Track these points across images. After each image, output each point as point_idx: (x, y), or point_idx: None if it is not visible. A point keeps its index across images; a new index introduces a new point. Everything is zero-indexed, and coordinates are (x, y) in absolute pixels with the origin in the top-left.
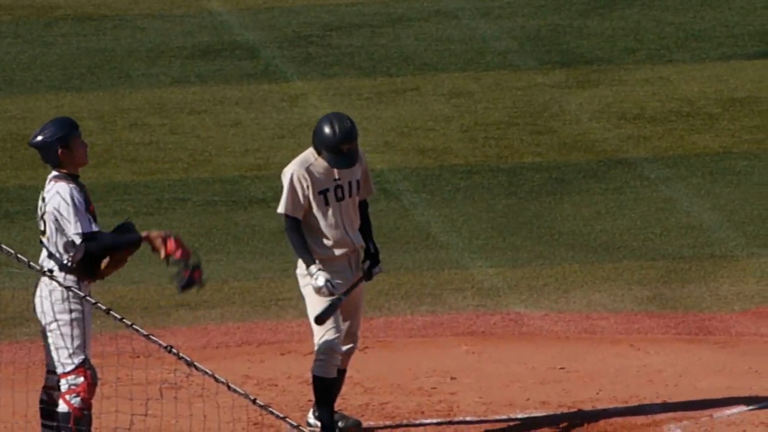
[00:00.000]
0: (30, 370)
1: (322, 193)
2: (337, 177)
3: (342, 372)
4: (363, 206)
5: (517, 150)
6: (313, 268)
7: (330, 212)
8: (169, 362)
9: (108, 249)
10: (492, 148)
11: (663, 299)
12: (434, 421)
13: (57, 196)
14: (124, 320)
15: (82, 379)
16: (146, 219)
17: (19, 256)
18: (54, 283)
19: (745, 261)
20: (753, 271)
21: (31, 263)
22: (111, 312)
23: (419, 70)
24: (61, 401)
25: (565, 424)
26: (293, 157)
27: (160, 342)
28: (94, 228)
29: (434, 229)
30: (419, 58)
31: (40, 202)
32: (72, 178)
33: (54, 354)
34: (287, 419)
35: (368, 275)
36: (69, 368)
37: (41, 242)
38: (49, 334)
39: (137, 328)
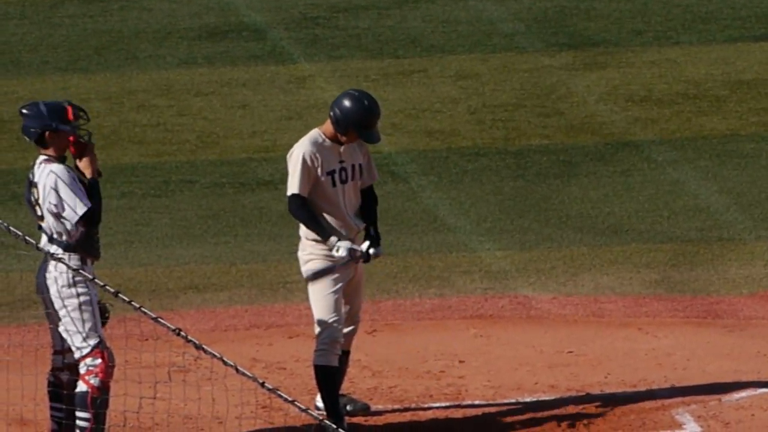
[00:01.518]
0: (39, 353)
1: (329, 174)
2: (342, 159)
3: (345, 353)
4: (369, 191)
5: (524, 132)
6: (333, 240)
7: (334, 194)
8: (177, 345)
9: (99, 212)
10: (499, 131)
11: (671, 282)
12: (443, 404)
13: (52, 175)
14: (133, 303)
15: (99, 360)
16: (154, 201)
17: (27, 238)
18: (60, 267)
19: (753, 244)
20: (761, 255)
21: (39, 246)
22: (119, 295)
23: (426, 52)
24: (80, 382)
25: (573, 408)
26: (300, 139)
27: (169, 325)
28: (86, 204)
29: (442, 211)
30: (426, 39)
31: (28, 188)
32: (61, 160)
33: (68, 339)
34: (296, 402)
35: (366, 257)
36: (86, 351)
37: (40, 227)
38: (60, 319)
39: (146, 310)
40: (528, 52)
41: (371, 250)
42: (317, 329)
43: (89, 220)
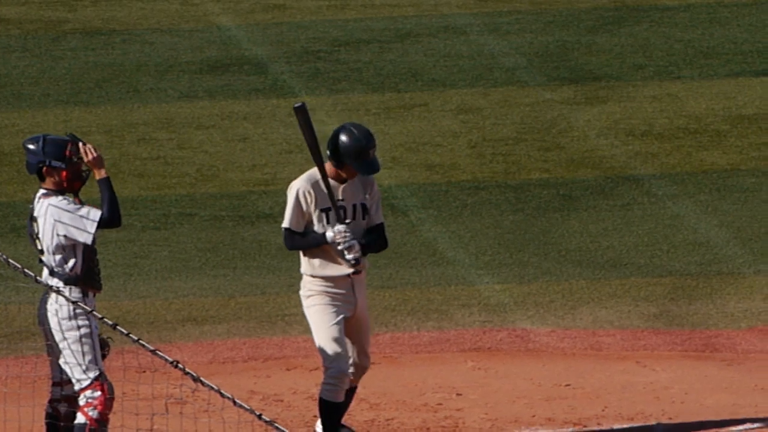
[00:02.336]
0: (36, 385)
1: (324, 211)
2: (341, 197)
3: (352, 390)
4: (375, 227)
5: (524, 166)
6: (329, 234)
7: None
8: (175, 377)
9: (116, 210)
10: (499, 164)
11: (670, 316)
12: None
13: (52, 208)
14: (131, 335)
15: (99, 393)
16: (153, 233)
17: (25, 270)
18: (60, 300)
19: (752, 278)
20: (760, 289)
21: (38, 278)
22: (117, 327)
23: (427, 86)
24: (79, 414)
25: None
26: (301, 172)
27: (166, 357)
28: (96, 216)
29: (441, 245)
30: (427, 73)
31: (30, 222)
32: (60, 193)
33: (68, 371)
34: None
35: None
36: (85, 383)
37: (41, 261)
38: (61, 352)
39: (143, 343)
40: (529, 87)
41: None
42: (324, 363)
43: (109, 221)
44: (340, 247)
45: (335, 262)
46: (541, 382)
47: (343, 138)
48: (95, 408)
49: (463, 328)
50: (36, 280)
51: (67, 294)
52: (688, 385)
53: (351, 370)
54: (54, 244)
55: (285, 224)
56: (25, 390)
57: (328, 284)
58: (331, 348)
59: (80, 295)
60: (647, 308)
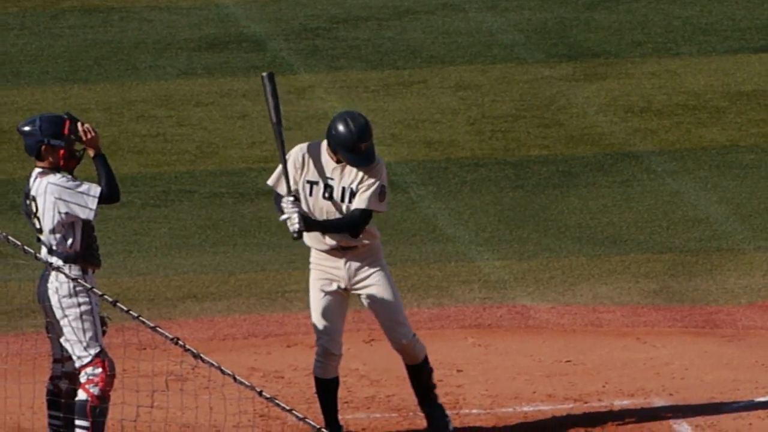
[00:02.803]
0: (37, 362)
1: (309, 183)
2: (331, 176)
3: (408, 367)
4: (352, 212)
5: (523, 143)
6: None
7: (311, 205)
8: (175, 354)
9: (115, 185)
10: (499, 141)
11: (669, 292)
12: None
13: (51, 186)
14: (131, 312)
15: (100, 369)
16: (153, 211)
17: (25, 247)
18: (60, 277)
19: (752, 254)
20: (760, 265)
21: (38, 255)
22: (118, 304)
23: (426, 63)
24: (80, 390)
25: (571, 417)
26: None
27: (167, 334)
28: (96, 192)
29: (441, 221)
30: (426, 50)
31: (25, 201)
32: (57, 170)
33: (69, 348)
34: (293, 411)
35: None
36: (86, 360)
37: (39, 240)
38: (62, 330)
39: (144, 320)
40: (528, 63)
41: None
42: (315, 340)
43: (109, 196)
44: (282, 218)
45: (319, 235)
46: (541, 359)
47: (339, 128)
48: (96, 385)
49: (463, 305)
50: (36, 257)
51: (67, 271)
52: (688, 361)
53: (329, 350)
54: (55, 222)
55: (269, 181)
56: (25, 367)
57: (320, 256)
58: (317, 323)
59: (80, 273)
60: (647, 284)
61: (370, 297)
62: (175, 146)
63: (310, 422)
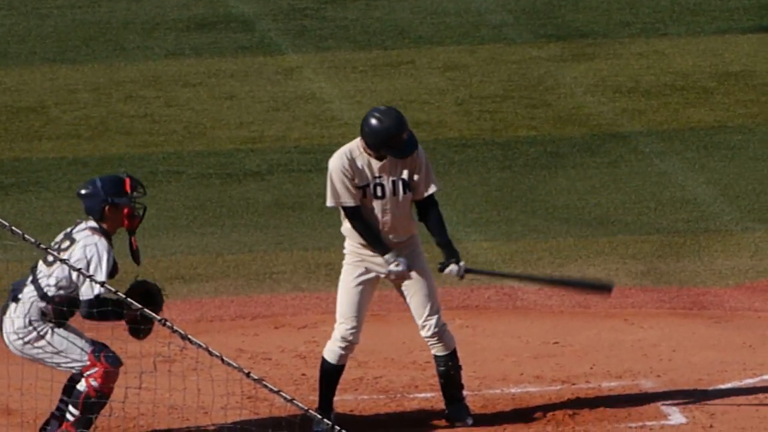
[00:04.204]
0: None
1: (360, 188)
2: (377, 174)
3: (437, 357)
4: (427, 204)
5: (511, 123)
6: (389, 257)
7: (368, 208)
8: (163, 335)
9: (107, 317)
10: (487, 122)
11: (657, 273)
12: (428, 395)
13: (94, 247)
14: (118, 293)
15: (95, 369)
16: None
17: (13, 228)
18: (15, 313)
19: (739, 235)
20: (747, 246)
21: (25, 236)
22: (105, 285)
23: (414, 43)
24: (82, 380)
25: (558, 399)
26: (288, 130)
27: (155, 315)
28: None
29: None
30: (414, 31)
31: (63, 237)
32: (108, 236)
33: (68, 371)
34: (281, 393)
35: (440, 268)
36: (81, 365)
37: (35, 265)
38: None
39: (131, 301)
40: (516, 44)
41: (445, 264)
42: (336, 323)
43: (92, 304)
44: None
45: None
46: (528, 340)
47: (375, 127)
48: (95, 380)
49: (450, 286)
50: (23, 238)
51: (34, 304)
52: (675, 342)
53: (351, 339)
54: (65, 272)
55: (329, 203)
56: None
57: (361, 247)
58: (343, 308)
59: (39, 315)
60: (635, 266)
61: (408, 285)
62: (162, 127)
63: (298, 404)
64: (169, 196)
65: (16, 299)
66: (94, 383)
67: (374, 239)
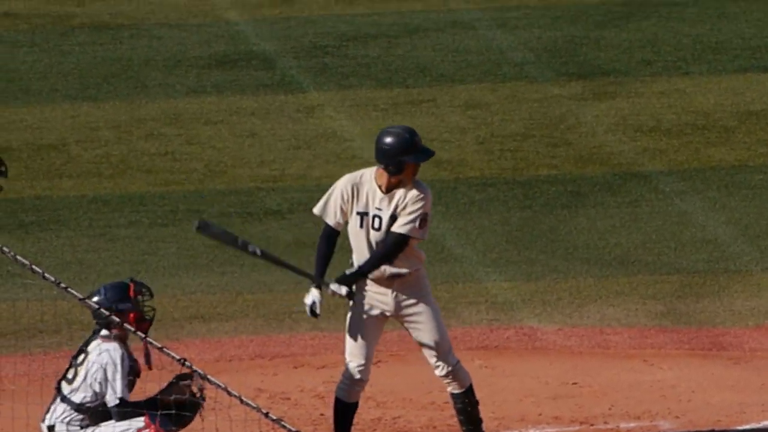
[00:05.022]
0: (44, 382)
1: (359, 215)
2: (378, 206)
3: (453, 395)
4: (390, 236)
5: (532, 162)
6: (329, 284)
7: (361, 236)
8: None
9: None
10: (508, 161)
11: (677, 314)
12: None
13: (107, 354)
14: (138, 333)
15: (148, 430)
16: (161, 230)
17: (33, 267)
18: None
19: (759, 276)
20: (767, 286)
21: (46, 274)
22: (125, 325)
23: (435, 81)
24: None
25: None
26: (309, 168)
27: (174, 354)
28: (126, 395)
29: (449, 241)
30: (435, 69)
31: (79, 350)
32: (121, 339)
33: None
34: None
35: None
36: (138, 427)
37: (58, 388)
38: None
39: (151, 340)
40: (537, 82)
41: (331, 286)
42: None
43: (120, 407)
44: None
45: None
46: (548, 381)
47: (388, 140)
48: None
49: (470, 326)
50: (43, 277)
51: (68, 428)
52: (694, 383)
53: (359, 377)
54: (88, 384)
55: (316, 210)
56: (32, 387)
57: (368, 282)
58: (351, 347)
59: (80, 425)
60: (654, 306)
61: (416, 326)
62: (183, 165)
63: None
64: (189, 234)
65: (51, 428)
66: None
67: (318, 262)
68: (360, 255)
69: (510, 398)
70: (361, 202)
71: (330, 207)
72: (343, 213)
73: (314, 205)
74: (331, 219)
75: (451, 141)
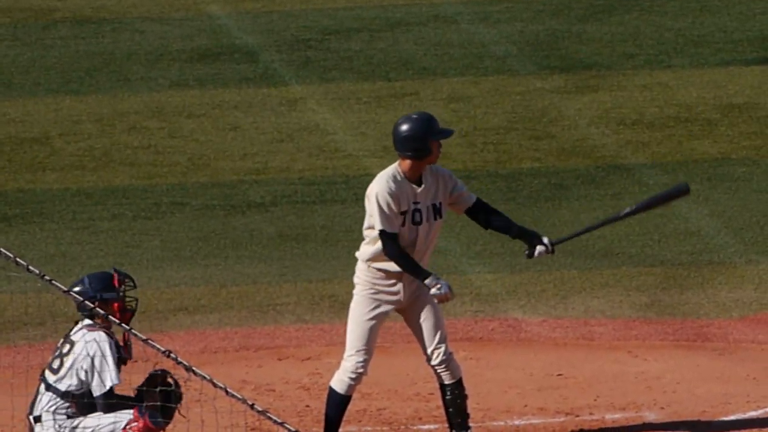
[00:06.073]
0: (29, 374)
1: (402, 214)
2: (417, 200)
3: (444, 386)
4: (481, 205)
5: (515, 155)
6: (429, 280)
7: (406, 233)
8: (167, 367)
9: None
10: (491, 153)
11: (661, 306)
12: (432, 426)
13: (94, 343)
14: (122, 325)
15: (136, 423)
16: (144, 223)
17: (17, 259)
18: (46, 422)
19: (743, 267)
20: (751, 278)
21: (30, 267)
22: (109, 316)
23: (418, 75)
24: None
25: (562, 431)
26: (292, 161)
27: (159, 346)
28: (117, 381)
29: None
30: (418, 62)
31: (63, 341)
32: (105, 328)
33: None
34: (285, 424)
35: (528, 254)
36: (127, 420)
37: (43, 378)
38: None
39: (135, 332)
40: (520, 75)
41: (539, 248)
42: (346, 353)
43: (107, 397)
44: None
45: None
46: (532, 372)
47: (410, 126)
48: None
49: (454, 318)
50: (28, 269)
51: (51, 417)
52: (679, 374)
53: (361, 371)
54: (74, 373)
55: (379, 226)
56: (17, 380)
57: (379, 275)
58: (356, 342)
59: (66, 414)
60: (639, 298)
61: (421, 312)
62: (166, 158)
63: None
64: (172, 227)
65: (38, 419)
66: None
67: (412, 266)
68: (414, 254)
69: (495, 389)
70: (401, 202)
71: (390, 215)
72: (398, 217)
73: (298, 198)
74: (395, 225)
75: None
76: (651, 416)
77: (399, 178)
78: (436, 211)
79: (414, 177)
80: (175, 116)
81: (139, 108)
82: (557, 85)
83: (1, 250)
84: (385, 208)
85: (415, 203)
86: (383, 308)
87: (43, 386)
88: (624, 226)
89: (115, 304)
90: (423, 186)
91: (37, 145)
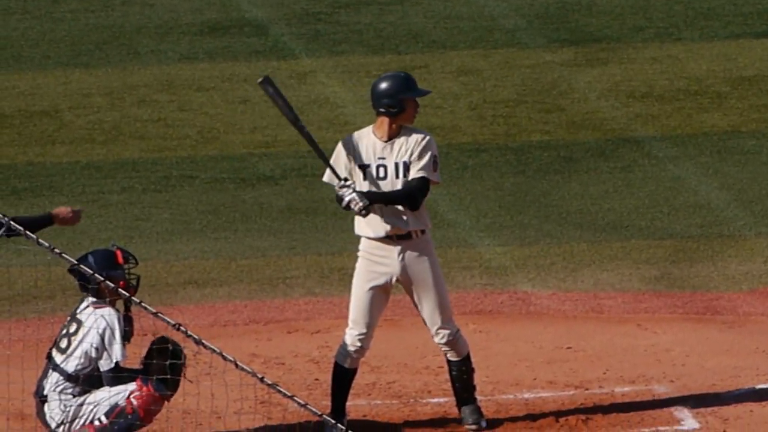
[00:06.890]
0: (39, 347)
1: (362, 168)
2: (381, 156)
3: (450, 362)
4: (409, 181)
5: (525, 128)
6: (344, 186)
7: (368, 188)
8: (177, 340)
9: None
10: (500, 126)
11: (670, 278)
12: (441, 399)
13: (103, 320)
14: (132, 298)
15: (139, 392)
16: (154, 196)
17: (27, 233)
18: (52, 406)
19: (753, 240)
20: (761, 251)
21: (40, 240)
22: (119, 290)
23: (428, 48)
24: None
25: (572, 404)
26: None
27: (169, 320)
28: (125, 356)
29: (442, 207)
30: (428, 35)
31: (70, 320)
32: (111, 304)
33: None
34: (295, 398)
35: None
36: (131, 389)
37: (50, 357)
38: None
39: (145, 305)
40: (529, 48)
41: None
42: (347, 327)
43: (114, 372)
44: (343, 204)
45: (374, 222)
46: (542, 345)
47: (386, 82)
48: (136, 400)
49: (464, 291)
50: (38, 243)
51: (57, 398)
52: (689, 347)
53: (359, 345)
54: (83, 351)
55: (324, 178)
56: (28, 353)
57: (373, 246)
58: (356, 315)
59: (71, 394)
60: (648, 271)
61: (420, 290)
62: (176, 131)
63: (312, 408)
64: (182, 200)
65: (44, 398)
66: (134, 402)
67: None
68: (374, 210)
69: (504, 363)
70: (362, 155)
71: (340, 163)
72: (348, 169)
73: (307, 171)
74: (342, 173)
75: (444, 107)
76: (660, 389)
77: (367, 133)
78: (405, 169)
79: (385, 134)
80: (185, 89)
81: (149, 81)
82: (567, 58)
83: (12, 223)
84: (338, 154)
85: (381, 158)
86: (379, 280)
87: (50, 366)
88: (633, 199)
89: (121, 282)
90: (390, 143)
91: (47, 118)
